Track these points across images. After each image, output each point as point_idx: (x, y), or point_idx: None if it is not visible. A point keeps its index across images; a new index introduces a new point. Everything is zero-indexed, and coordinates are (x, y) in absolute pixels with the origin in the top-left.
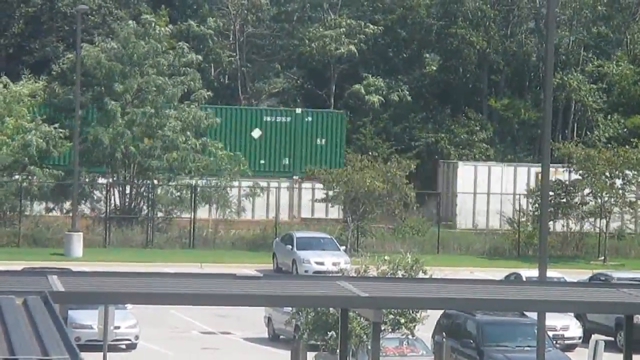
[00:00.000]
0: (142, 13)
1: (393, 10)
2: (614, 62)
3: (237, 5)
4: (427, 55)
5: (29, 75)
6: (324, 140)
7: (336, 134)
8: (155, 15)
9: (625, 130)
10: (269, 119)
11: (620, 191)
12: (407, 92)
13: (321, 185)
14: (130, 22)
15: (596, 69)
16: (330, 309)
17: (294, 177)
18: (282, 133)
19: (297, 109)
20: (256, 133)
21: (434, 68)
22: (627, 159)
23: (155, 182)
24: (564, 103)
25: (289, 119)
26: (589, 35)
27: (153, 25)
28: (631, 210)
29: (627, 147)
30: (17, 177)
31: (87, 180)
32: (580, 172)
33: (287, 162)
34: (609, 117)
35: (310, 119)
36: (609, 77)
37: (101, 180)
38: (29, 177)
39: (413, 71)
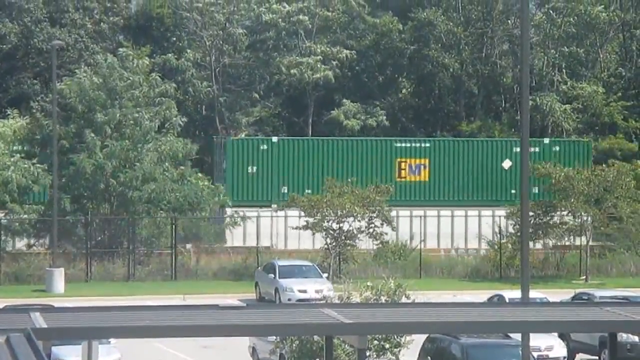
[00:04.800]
0: (120, 46)
1: (366, 36)
2: (587, 83)
3: (213, 36)
4: (405, 81)
5: (16, 115)
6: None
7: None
8: (136, 49)
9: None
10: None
11: (599, 210)
12: (384, 118)
13: (301, 213)
14: (108, 55)
15: (570, 90)
16: (315, 336)
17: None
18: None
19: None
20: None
21: (410, 90)
22: (603, 178)
23: (135, 215)
24: (540, 124)
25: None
26: (561, 57)
27: (131, 58)
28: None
29: (603, 166)
30: None
31: (69, 211)
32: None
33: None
34: (583, 137)
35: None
36: (582, 99)
37: (82, 215)
38: (10, 215)
39: (388, 96)
